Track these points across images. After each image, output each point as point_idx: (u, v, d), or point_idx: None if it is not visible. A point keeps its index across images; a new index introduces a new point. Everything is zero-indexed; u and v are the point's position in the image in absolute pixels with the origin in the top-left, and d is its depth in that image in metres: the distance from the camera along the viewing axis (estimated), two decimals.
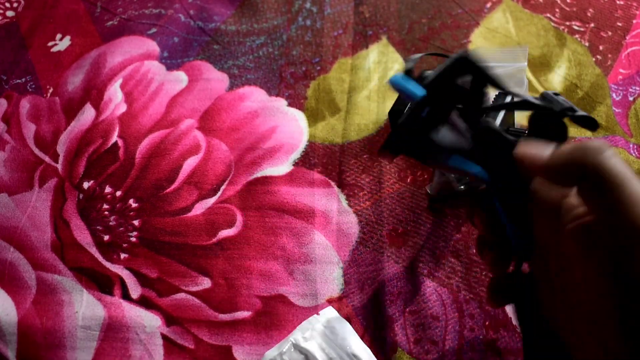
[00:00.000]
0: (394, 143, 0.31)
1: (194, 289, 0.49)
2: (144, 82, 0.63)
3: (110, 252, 0.51)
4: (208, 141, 0.58)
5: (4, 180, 0.55)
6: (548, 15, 0.67)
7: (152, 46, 0.66)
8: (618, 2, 0.68)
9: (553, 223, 0.27)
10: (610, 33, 0.65)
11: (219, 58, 0.65)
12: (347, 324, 0.46)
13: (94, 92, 0.61)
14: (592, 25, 0.66)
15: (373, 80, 0.62)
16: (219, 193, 0.54)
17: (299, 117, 0.60)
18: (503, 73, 0.59)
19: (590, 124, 0.29)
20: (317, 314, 0.47)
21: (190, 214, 0.53)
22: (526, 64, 0.59)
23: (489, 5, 0.69)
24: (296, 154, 0.57)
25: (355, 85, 0.62)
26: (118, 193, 0.54)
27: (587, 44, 0.64)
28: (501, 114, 0.52)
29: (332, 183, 0.55)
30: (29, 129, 0.59)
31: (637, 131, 0.57)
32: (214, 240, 0.52)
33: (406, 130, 0.30)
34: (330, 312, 0.47)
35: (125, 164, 0.56)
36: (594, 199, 0.23)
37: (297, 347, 0.44)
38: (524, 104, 0.30)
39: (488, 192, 0.31)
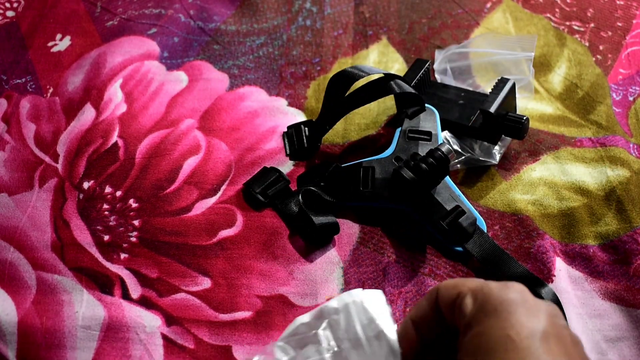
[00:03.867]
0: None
1: (194, 289, 0.49)
2: (144, 82, 0.63)
3: (110, 252, 0.51)
4: (208, 141, 0.58)
5: (4, 180, 0.55)
6: (548, 15, 0.67)
7: (152, 46, 0.66)
8: (618, 2, 0.68)
9: None
10: (610, 33, 0.65)
11: (219, 58, 0.65)
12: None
13: (94, 92, 0.61)
14: (592, 25, 0.66)
15: None
16: (220, 193, 0.54)
17: (299, 117, 0.60)
18: (509, 60, 0.59)
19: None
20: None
21: (190, 214, 0.53)
22: (533, 53, 0.58)
23: (489, 5, 0.69)
24: None
25: (356, 85, 0.62)
26: (118, 193, 0.54)
27: (587, 44, 0.64)
28: (500, 97, 0.52)
29: None
30: (29, 129, 0.59)
31: (637, 131, 0.57)
32: (214, 240, 0.51)
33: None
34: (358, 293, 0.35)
35: (125, 164, 0.56)
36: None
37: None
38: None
39: None
